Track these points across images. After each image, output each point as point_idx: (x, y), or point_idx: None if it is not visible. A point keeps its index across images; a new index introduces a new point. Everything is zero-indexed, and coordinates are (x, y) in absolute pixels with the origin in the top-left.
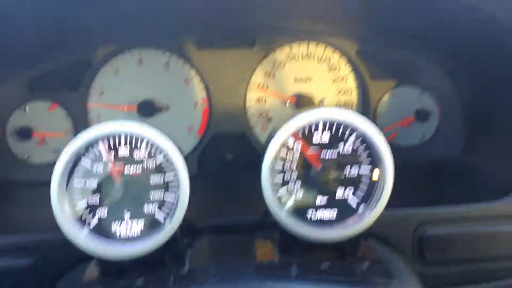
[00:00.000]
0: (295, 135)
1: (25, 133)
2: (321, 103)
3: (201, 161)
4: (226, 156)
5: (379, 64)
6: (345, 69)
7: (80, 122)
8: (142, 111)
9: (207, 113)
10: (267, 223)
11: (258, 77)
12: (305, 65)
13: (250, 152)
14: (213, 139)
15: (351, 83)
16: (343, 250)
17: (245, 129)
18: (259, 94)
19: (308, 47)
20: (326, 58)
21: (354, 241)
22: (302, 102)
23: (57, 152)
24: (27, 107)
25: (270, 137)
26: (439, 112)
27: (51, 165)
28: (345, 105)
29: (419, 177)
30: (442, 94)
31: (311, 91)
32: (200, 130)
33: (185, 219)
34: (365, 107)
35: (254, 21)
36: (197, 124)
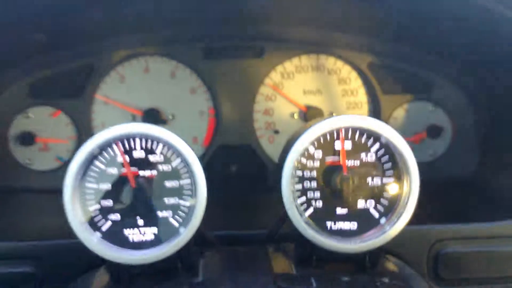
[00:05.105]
0: (316, 142)
1: (27, 139)
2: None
3: (206, 173)
4: (231, 168)
5: (391, 78)
6: (356, 82)
7: (84, 130)
8: (147, 120)
9: (213, 123)
10: (277, 235)
11: (266, 88)
12: (315, 77)
13: (256, 164)
14: (219, 150)
15: (361, 96)
16: (361, 263)
17: (252, 141)
18: (266, 105)
19: (318, 59)
20: (336, 70)
21: (374, 255)
22: (311, 114)
23: (60, 159)
24: (29, 113)
25: (290, 143)
26: (452, 128)
27: (54, 171)
28: None
29: (431, 194)
30: (456, 110)
31: (320, 104)
32: (205, 141)
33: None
34: None
35: (262, 30)
36: (203, 135)
